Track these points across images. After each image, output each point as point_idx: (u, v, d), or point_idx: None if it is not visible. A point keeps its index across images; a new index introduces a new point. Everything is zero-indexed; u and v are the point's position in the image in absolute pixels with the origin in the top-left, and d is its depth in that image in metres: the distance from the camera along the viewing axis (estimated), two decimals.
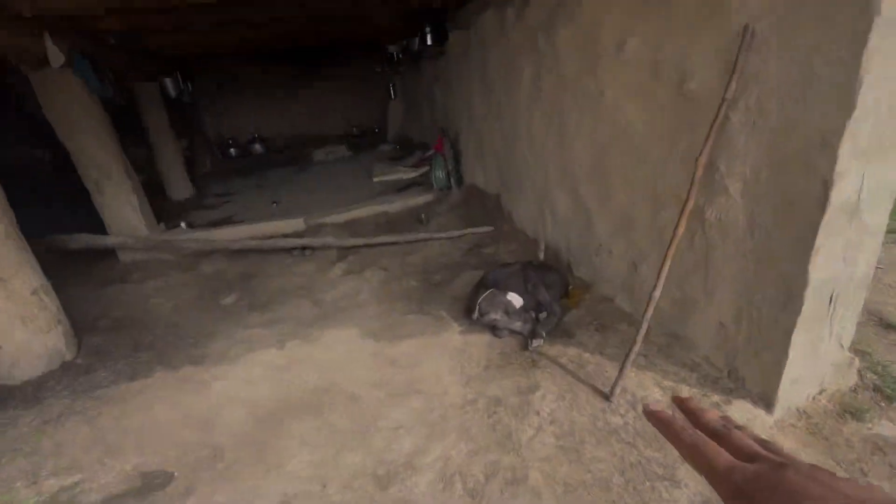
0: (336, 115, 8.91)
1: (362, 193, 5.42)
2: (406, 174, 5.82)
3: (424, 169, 5.84)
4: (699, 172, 1.58)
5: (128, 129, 6.61)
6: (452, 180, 4.72)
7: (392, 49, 6.69)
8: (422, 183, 5.45)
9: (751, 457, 0.30)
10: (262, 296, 3.36)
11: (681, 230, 1.65)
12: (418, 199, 4.87)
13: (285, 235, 4.47)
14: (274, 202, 5.36)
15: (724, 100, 1.50)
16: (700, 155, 1.57)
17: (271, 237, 4.25)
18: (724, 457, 0.31)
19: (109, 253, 4.16)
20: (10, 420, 2.23)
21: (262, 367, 2.45)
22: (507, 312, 2.31)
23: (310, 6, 4.33)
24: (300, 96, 8.55)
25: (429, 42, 4.76)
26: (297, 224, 4.57)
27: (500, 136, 3.73)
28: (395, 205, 4.82)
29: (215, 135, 8.13)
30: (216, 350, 2.65)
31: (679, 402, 0.40)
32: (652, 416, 0.37)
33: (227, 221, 4.93)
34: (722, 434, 0.33)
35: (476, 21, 3.74)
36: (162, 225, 4.66)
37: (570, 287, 2.70)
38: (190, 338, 2.85)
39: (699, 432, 0.33)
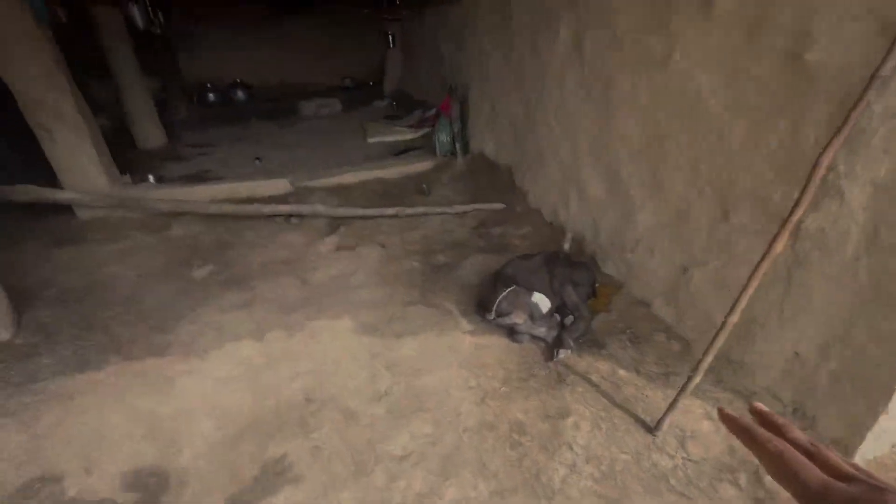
0: (328, 63, 8.14)
1: (356, 155, 4.91)
2: (404, 135, 5.30)
3: (425, 130, 5.32)
4: (819, 174, 1.20)
5: (88, 65, 5.83)
6: (458, 146, 4.24)
7: None
8: (422, 146, 4.95)
9: (846, 477, 0.28)
10: (240, 269, 2.93)
11: (779, 247, 1.29)
12: (418, 166, 4.39)
13: (269, 198, 3.99)
14: (257, 158, 4.81)
15: (874, 77, 1.10)
16: (824, 151, 1.19)
17: (252, 201, 3.77)
18: (817, 473, 0.28)
19: (65, 208, 3.63)
20: None
21: (236, 363, 2.08)
22: (531, 316, 1.96)
23: None
24: (289, 40, 7.73)
25: None
26: (282, 185, 4.08)
27: (520, 100, 3.26)
28: (393, 170, 4.34)
29: (192, 77, 7.33)
30: (183, 337, 2.26)
31: (760, 414, 0.35)
32: (730, 420, 0.34)
33: (202, 178, 4.39)
34: (812, 451, 0.30)
35: None
36: (127, 177, 4.10)
37: (597, 285, 2.36)
38: (153, 319, 2.44)
39: (787, 444, 0.30)
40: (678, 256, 1.99)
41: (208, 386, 1.96)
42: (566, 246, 2.60)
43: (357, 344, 2.16)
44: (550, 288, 2.13)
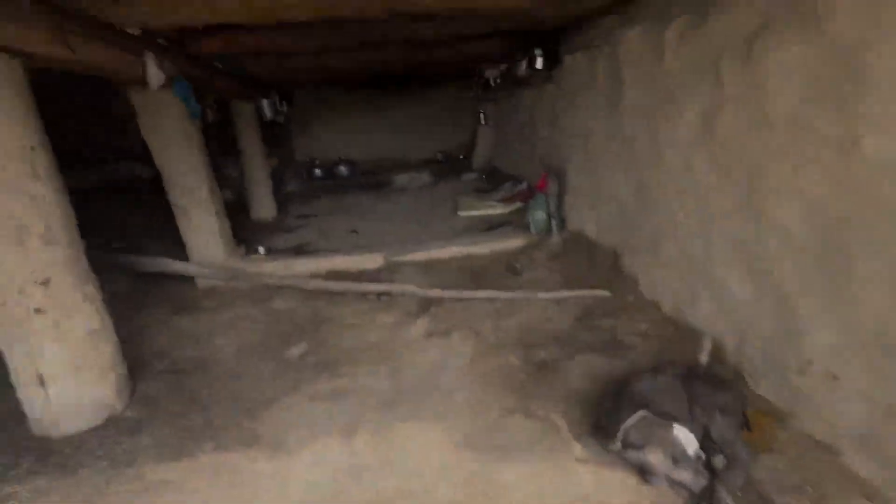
0: (420, 139, 8.67)
1: (446, 229, 4.92)
2: (495, 210, 5.24)
3: (517, 206, 5.22)
4: None
5: (222, 145, 6.75)
6: (554, 224, 4.03)
7: (489, 74, 6.26)
8: (513, 222, 4.82)
9: None
10: (332, 351, 2.89)
11: None
12: (510, 243, 4.23)
13: (363, 272, 4.06)
14: (353, 230, 5.03)
15: None
16: None
17: (347, 275, 3.84)
18: None
19: (188, 276, 4.00)
20: (41, 493, 1.89)
21: (324, 467, 1.91)
22: (672, 457, 1.56)
23: (409, 34, 3.98)
24: (385, 119, 8.43)
25: (538, 66, 4.19)
26: (375, 260, 4.14)
27: (629, 180, 3.01)
28: (484, 247, 4.23)
29: (304, 155, 8.21)
30: (273, 428, 2.17)
31: None
32: None
33: (304, 250, 4.65)
34: None
35: (608, 42, 3.10)
36: (241, 248, 4.47)
37: (749, 412, 1.87)
38: (247, 401, 2.41)
39: None
40: (880, 392, 1.49)
41: (295, 491, 1.80)
42: (703, 358, 2.15)
43: (450, 459, 1.89)
44: (691, 414, 1.71)
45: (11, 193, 1.98)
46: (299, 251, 4.64)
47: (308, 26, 3.73)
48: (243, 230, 5.52)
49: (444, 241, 4.44)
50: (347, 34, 3.94)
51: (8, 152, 1.96)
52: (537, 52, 4.33)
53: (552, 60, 4.24)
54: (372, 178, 7.85)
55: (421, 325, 3.04)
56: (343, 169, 7.96)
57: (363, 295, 3.55)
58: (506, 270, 3.84)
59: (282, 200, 6.90)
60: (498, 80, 5.90)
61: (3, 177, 1.95)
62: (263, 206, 5.98)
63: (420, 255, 4.19)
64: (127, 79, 3.23)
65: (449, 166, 8.16)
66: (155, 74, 3.16)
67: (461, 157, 8.56)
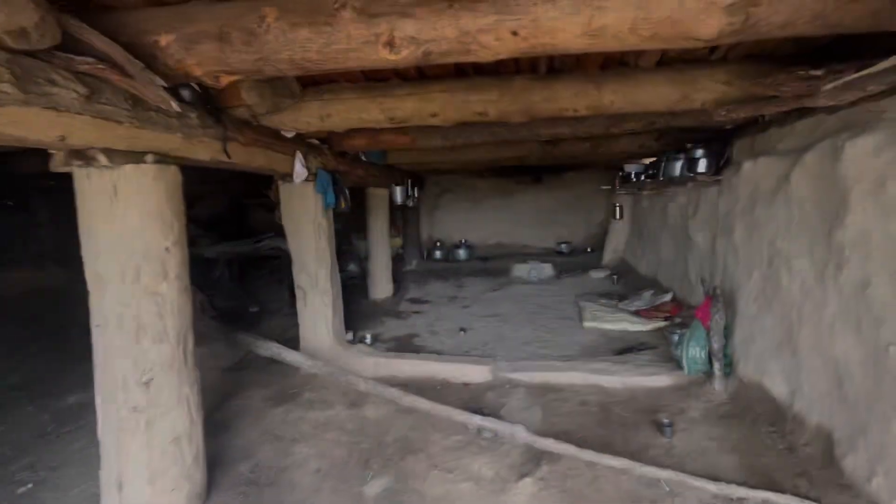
0: (544, 227, 8.26)
1: (567, 342, 4.21)
2: (632, 325, 4.38)
3: (657, 324, 4.30)
4: None
5: (355, 222, 7.16)
6: (716, 368, 3.07)
7: (630, 168, 5.69)
8: (653, 347, 3.91)
9: None
10: (412, 498, 2.37)
11: None
12: (652, 380, 3.35)
13: (466, 384, 3.57)
14: (461, 329, 4.64)
15: None
16: None
17: (449, 388, 3.39)
18: None
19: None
20: None
21: None
22: None
23: (549, 132, 3.72)
24: (511, 205, 8.27)
25: (700, 170, 3.51)
26: (481, 372, 3.63)
27: (861, 340, 2.05)
28: (616, 379, 3.41)
29: (427, 235, 8.42)
30: None
31: None
32: None
33: (410, 344, 4.38)
34: None
35: (817, 150, 2.34)
36: (350, 334, 4.40)
37: None
38: None
39: None
40: None
41: None
42: None
43: None
44: None
45: (143, 296, 2.02)
46: (403, 345, 4.38)
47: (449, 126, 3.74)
48: (357, 311, 5.58)
49: (564, 360, 3.75)
50: (487, 132, 3.85)
51: (147, 254, 2.03)
52: (698, 152, 3.67)
53: (719, 163, 3.53)
54: (489, 265, 7.58)
55: (524, 492, 2.36)
56: (461, 252, 7.87)
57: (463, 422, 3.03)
58: (648, 425, 2.96)
59: (400, 279, 6.99)
60: (642, 176, 5.28)
61: (140, 279, 2.01)
62: (381, 287, 6.05)
63: (534, 376, 3.55)
64: (276, 174, 3.50)
65: (576, 260, 7.50)
66: (300, 171, 3.36)
67: (588, 249, 7.85)
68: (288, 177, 3.41)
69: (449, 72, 2.70)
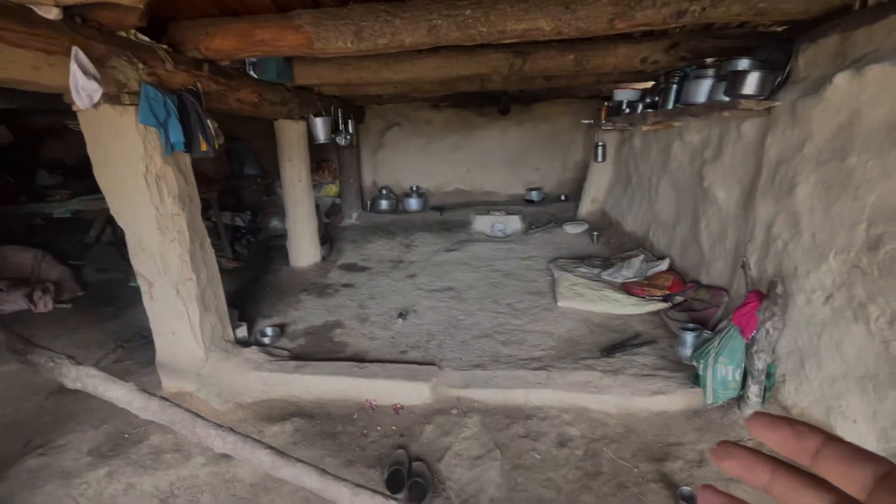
0: (513, 171, 6.98)
1: (537, 332, 3.16)
2: (621, 307, 3.36)
3: (654, 304, 3.29)
4: None
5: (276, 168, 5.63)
6: (752, 390, 2.09)
7: (622, 96, 4.41)
8: (652, 340, 2.92)
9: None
10: None
11: None
12: (657, 402, 2.35)
13: (399, 408, 2.49)
14: (401, 315, 3.49)
15: None
16: None
17: (371, 411, 2.28)
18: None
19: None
20: None
21: None
22: None
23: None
24: (473, 144, 6.87)
25: (749, 90, 2.28)
26: (419, 392, 2.55)
27: None
28: (607, 399, 2.41)
29: (372, 181, 6.98)
30: None
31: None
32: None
33: (326, 341, 3.21)
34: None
35: None
36: (243, 328, 3.17)
37: None
38: None
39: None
40: None
41: None
42: None
43: None
44: None
45: None
46: (319, 342, 3.20)
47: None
48: (271, 286, 4.30)
49: (535, 366, 2.70)
50: (424, 29, 2.44)
51: None
52: (743, 63, 2.43)
53: (776, 80, 2.31)
54: (446, 217, 6.33)
55: None
56: (412, 202, 6.54)
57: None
58: (656, 482, 1.99)
59: (335, 237, 5.67)
60: (637, 106, 4.02)
61: None
62: (304, 252, 4.73)
63: (494, 395, 2.51)
64: (43, 90, 2.00)
65: (549, 209, 6.36)
66: (84, 85, 1.90)
67: (562, 197, 6.71)
68: (69, 96, 1.94)
69: None
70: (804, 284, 2.04)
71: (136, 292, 2.66)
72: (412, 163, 6.85)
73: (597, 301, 3.46)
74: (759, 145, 2.49)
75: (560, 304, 3.53)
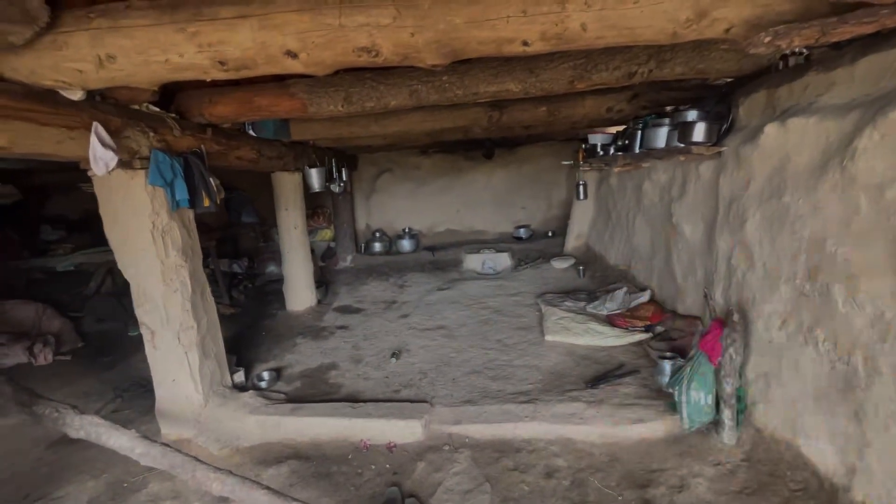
0: (501, 210, 7.27)
1: (525, 366, 3.27)
2: (604, 340, 3.49)
3: (636, 336, 3.44)
4: None
5: (272, 217, 5.84)
6: (726, 414, 2.21)
7: (595, 139, 4.74)
8: (633, 370, 3.04)
9: None
10: None
11: None
12: (639, 431, 2.45)
13: (392, 447, 2.56)
14: (394, 354, 3.61)
15: None
16: None
17: (371, 455, 2.36)
18: None
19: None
20: None
21: None
22: None
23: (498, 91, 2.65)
24: (462, 186, 7.20)
25: (697, 138, 2.55)
26: (411, 430, 2.63)
27: None
28: (591, 430, 2.50)
29: (363, 225, 7.22)
30: None
31: None
32: None
33: (322, 383, 3.30)
34: None
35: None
36: (240, 374, 3.27)
37: None
38: None
39: None
40: None
41: None
42: None
43: None
44: None
45: None
46: (314, 384, 3.29)
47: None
48: (267, 330, 4.41)
49: (523, 400, 2.81)
50: (406, 92, 2.73)
51: None
52: (691, 115, 2.72)
53: (721, 128, 2.59)
54: (438, 257, 6.53)
55: None
56: (405, 243, 6.76)
57: None
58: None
59: (330, 280, 5.83)
60: (611, 149, 4.34)
61: None
62: (300, 296, 4.87)
63: (483, 430, 2.60)
64: (66, 161, 2.23)
65: (537, 245, 6.58)
66: (101, 155, 2.12)
67: (549, 233, 6.96)
68: (87, 164, 2.16)
69: None
70: (762, 311, 2.21)
71: (135, 342, 2.79)
72: (404, 206, 7.14)
73: (582, 334, 3.60)
74: (714, 185, 2.74)
75: (547, 338, 3.66)
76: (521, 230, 6.92)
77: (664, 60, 2.43)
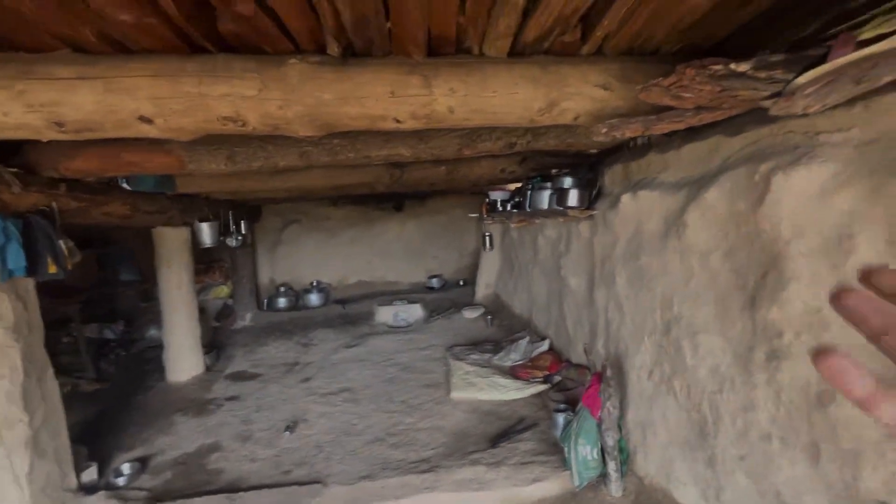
0: (413, 260, 7.30)
1: (429, 429, 3.17)
2: (506, 394, 3.53)
3: (536, 387, 3.53)
4: None
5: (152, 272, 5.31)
6: (611, 466, 2.30)
7: (495, 196, 5.03)
8: (533, 424, 3.09)
9: None
10: None
11: None
12: (536, 491, 2.45)
13: None
14: (288, 427, 3.29)
15: None
16: None
17: None
18: None
19: None
20: None
21: None
22: None
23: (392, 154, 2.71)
24: (373, 236, 7.15)
25: (571, 203, 2.82)
26: None
27: (796, 439, 1.35)
28: (491, 496, 2.44)
29: (266, 280, 6.78)
30: None
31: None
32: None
33: (199, 471, 2.87)
34: None
35: (728, 181, 1.69)
36: (92, 470, 2.72)
37: None
38: None
39: None
40: None
41: None
42: None
43: None
44: None
45: None
46: (189, 473, 2.85)
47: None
48: (139, 408, 3.81)
49: (424, 468, 2.68)
50: (295, 153, 2.67)
51: None
52: (566, 181, 3.00)
53: (591, 194, 2.89)
54: (348, 311, 6.30)
55: None
56: (313, 297, 6.45)
57: None
58: None
59: (224, 343, 5.28)
60: (508, 206, 4.62)
61: None
62: (184, 364, 4.32)
63: None
64: None
65: (448, 295, 6.65)
66: None
67: (460, 282, 7.10)
68: None
69: (167, 43, 1.47)
70: (634, 362, 2.40)
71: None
72: (312, 258, 6.86)
73: (486, 389, 3.61)
74: (591, 243, 3.00)
75: (453, 394, 3.61)
76: (434, 280, 6.98)
77: (539, 134, 2.67)
